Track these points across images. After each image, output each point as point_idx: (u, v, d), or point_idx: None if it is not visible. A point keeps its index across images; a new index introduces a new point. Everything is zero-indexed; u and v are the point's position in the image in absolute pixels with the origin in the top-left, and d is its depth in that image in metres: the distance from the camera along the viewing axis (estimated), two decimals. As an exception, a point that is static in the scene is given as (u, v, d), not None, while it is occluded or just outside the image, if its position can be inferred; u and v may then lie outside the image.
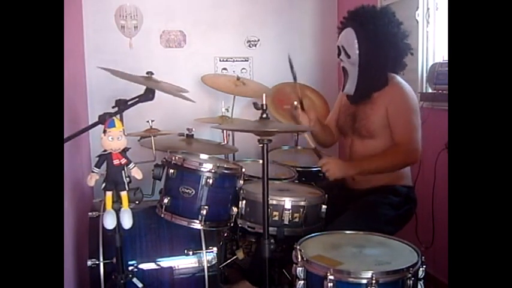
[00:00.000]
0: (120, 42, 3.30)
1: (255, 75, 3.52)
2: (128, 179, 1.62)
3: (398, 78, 2.15)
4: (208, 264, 2.03)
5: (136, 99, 1.86)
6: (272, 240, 1.70)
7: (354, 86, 2.14)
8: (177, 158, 2.02)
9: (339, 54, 2.18)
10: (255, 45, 3.54)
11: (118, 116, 1.74)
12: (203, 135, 2.92)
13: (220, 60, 3.50)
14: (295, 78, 2.24)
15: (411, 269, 1.43)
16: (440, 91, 2.35)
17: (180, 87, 2.22)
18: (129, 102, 1.84)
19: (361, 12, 2.13)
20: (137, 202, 1.69)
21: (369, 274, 1.38)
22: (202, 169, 1.99)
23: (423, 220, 2.38)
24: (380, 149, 2.09)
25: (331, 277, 1.39)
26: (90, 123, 1.86)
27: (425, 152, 2.39)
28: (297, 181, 2.49)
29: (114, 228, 1.64)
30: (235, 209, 2.05)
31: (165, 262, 2.02)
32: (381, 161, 2.04)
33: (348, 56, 2.12)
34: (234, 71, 3.44)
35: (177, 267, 2.03)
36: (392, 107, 2.06)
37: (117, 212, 1.60)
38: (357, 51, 2.08)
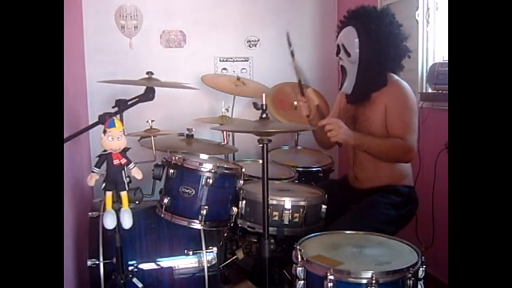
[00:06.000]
0: (120, 42, 3.29)
1: (255, 75, 3.52)
2: (128, 179, 1.62)
3: (397, 77, 2.14)
4: (208, 264, 2.03)
5: (137, 99, 1.87)
6: (272, 240, 1.70)
7: (352, 85, 2.14)
8: (177, 158, 2.02)
9: (338, 53, 2.17)
10: (255, 45, 3.54)
11: (118, 116, 1.74)
12: (203, 135, 2.91)
13: (220, 60, 3.49)
14: (292, 54, 2.23)
15: (411, 269, 1.43)
16: (440, 91, 2.35)
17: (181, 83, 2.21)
18: (129, 102, 1.85)
19: (362, 12, 2.13)
20: (137, 202, 1.69)
21: (369, 274, 1.38)
22: (202, 169, 1.99)
23: (423, 220, 2.38)
24: None
25: (331, 277, 1.40)
26: (90, 123, 1.86)
27: (425, 152, 2.40)
28: (297, 181, 2.49)
29: (114, 228, 1.64)
30: (235, 209, 2.05)
31: (165, 262, 2.01)
32: (381, 144, 2.01)
33: (348, 54, 2.11)
34: (234, 71, 3.44)
35: (177, 267, 2.03)
36: (390, 105, 2.06)
37: (117, 212, 1.61)
38: (357, 50, 2.08)
